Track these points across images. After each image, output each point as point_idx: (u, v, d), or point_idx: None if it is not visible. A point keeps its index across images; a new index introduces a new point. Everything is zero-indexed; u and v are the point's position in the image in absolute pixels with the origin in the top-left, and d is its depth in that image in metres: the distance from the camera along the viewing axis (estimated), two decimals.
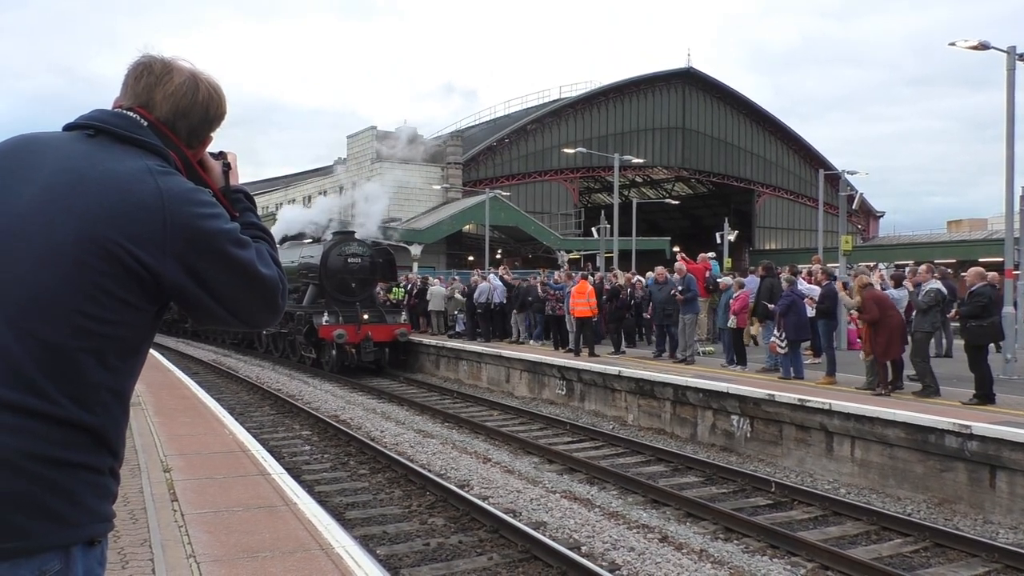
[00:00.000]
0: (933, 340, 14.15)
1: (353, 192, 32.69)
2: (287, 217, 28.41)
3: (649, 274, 19.93)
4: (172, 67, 1.74)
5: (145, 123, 1.68)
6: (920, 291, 10.82)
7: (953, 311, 11.13)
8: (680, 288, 14.95)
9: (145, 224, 1.54)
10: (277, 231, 27.45)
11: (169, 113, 1.73)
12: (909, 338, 11.20)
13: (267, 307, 1.72)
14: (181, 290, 1.60)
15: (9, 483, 1.43)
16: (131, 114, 1.69)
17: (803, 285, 14.03)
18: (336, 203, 30.79)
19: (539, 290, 19.18)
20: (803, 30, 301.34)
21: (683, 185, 66.81)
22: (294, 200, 53.61)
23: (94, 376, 1.53)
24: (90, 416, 1.52)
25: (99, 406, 1.54)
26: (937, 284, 10.64)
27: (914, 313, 10.99)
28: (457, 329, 22.34)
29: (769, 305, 13.07)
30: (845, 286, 12.67)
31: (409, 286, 24.85)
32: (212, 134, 1.84)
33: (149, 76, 1.73)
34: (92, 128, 1.66)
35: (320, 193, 54.61)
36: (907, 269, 16.36)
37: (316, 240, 24.28)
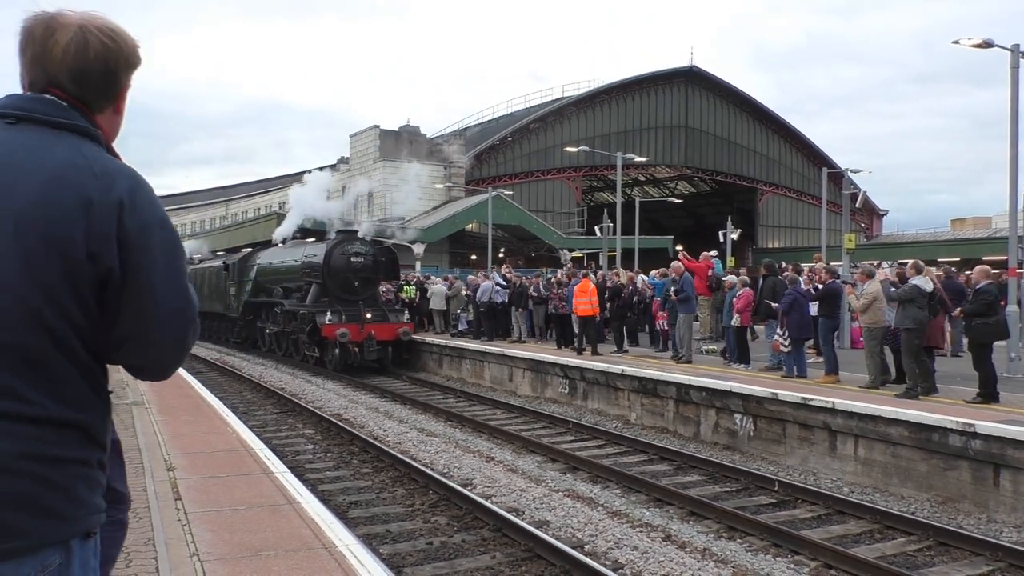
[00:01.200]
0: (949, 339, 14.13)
1: (389, 176, 32.17)
2: (307, 207, 26.70)
3: (653, 273, 19.93)
4: (55, 26, 1.59)
5: (65, 104, 1.60)
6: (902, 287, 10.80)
7: (957, 310, 11.08)
8: (675, 288, 14.98)
9: (85, 211, 1.49)
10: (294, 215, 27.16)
11: (71, 84, 1.61)
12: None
13: (181, 326, 1.62)
14: (111, 280, 1.53)
15: (5, 485, 1.45)
16: (49, 97, 1.60)
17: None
18: (369, 187, 30.23)
19: (540, 287, 19.22)
20: (808, 28, 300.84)
21: (686, 184, 66.78)
22: None
23: (68, 373, 1.52)
24: (74, 412, 1.53)
25: (79, 401, 1.55)
26: (917, 280, 10.59)
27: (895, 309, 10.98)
28: (459, 328, 22.35)
29: (772, 304, 13.06)
30: (853, 287, 12.63)
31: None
32: (128, 82, 1.70)
33: (33, 46, 1.59)
34: (12, 116, 1.58)
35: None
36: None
37: (319, 239, 24.29)
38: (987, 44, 14.97)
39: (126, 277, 1.53)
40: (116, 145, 1.71)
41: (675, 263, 15.98)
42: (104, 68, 1.62)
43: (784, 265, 16.69)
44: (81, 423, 1.54)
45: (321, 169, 56.13)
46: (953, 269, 17.15)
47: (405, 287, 24.30)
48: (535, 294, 19.31)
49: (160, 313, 1.58)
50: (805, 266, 17.63)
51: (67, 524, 1.52)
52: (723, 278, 17.13)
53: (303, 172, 62.20)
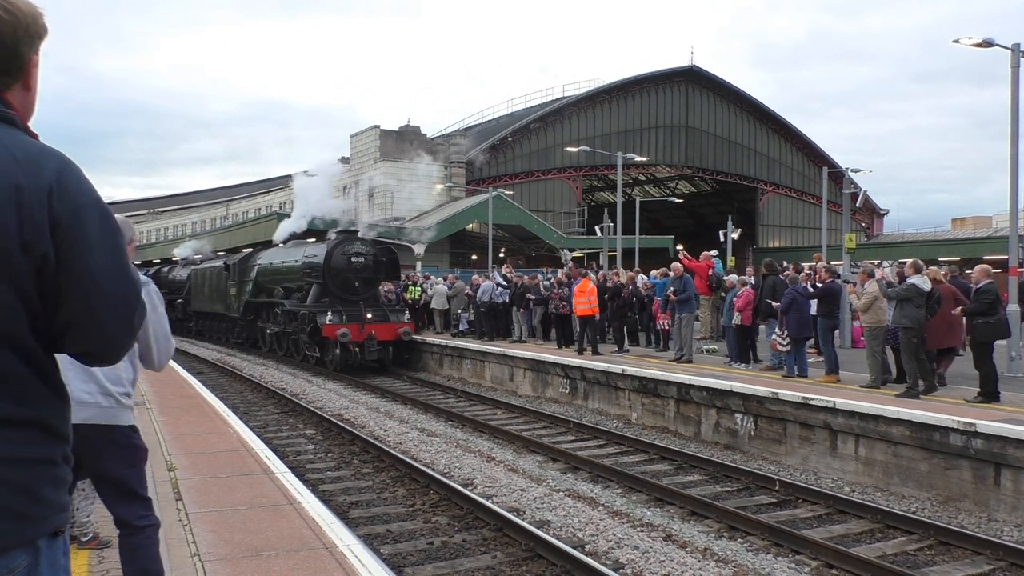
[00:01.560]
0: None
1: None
2: (315, 204, 26.36)
3: (653, 272, 19.93)
4: None
5: None
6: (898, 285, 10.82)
7: (958, 309, 11.09)
8: (674, 288, 14.98)
9: (15, 199, 1.44)
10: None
11: None
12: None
13: (125, 308, 1.56)
14: (46, 267, 1.47)
15: None
16: None
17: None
18: (371, 184, 29.62)
19: (540, 288, 19.20)
20: (809, 25, 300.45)
21: (686, 183, 66.80)
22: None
23: (19, 370, 1.49)
24: (31, 410, 1.51)
25: (35, 398, 1.52)
26: (915, 279, 10.60)
27: (891, 308, 10.98)
28: (460, 328, 22.34)
29: (773, 303, 13.06)
30: (854, 286, 12.64)
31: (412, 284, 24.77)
32: (33, 55, 1.58)
33: None
34: None
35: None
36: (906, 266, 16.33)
37: (319, 239, 24.29)
38: (987, 43, 14.96)
39: (62, 262, 1.48)
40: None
41: (675, 263, 15.98)
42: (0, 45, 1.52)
43: (785, 264, 16.69)
44: (39, 420, 1.52)
45: None
46: (955, 268, 17.16)
47: (411, 287, 23.88)
48: (532, 297, 19.19)
49: (103, 296, 1.52)
50: (805, 265, 17.64)
51: (33, 525, 1.50)
52: (723, 277, 17.15)
53: (306, 171, 62.48)
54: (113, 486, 3.51)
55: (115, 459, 3.49)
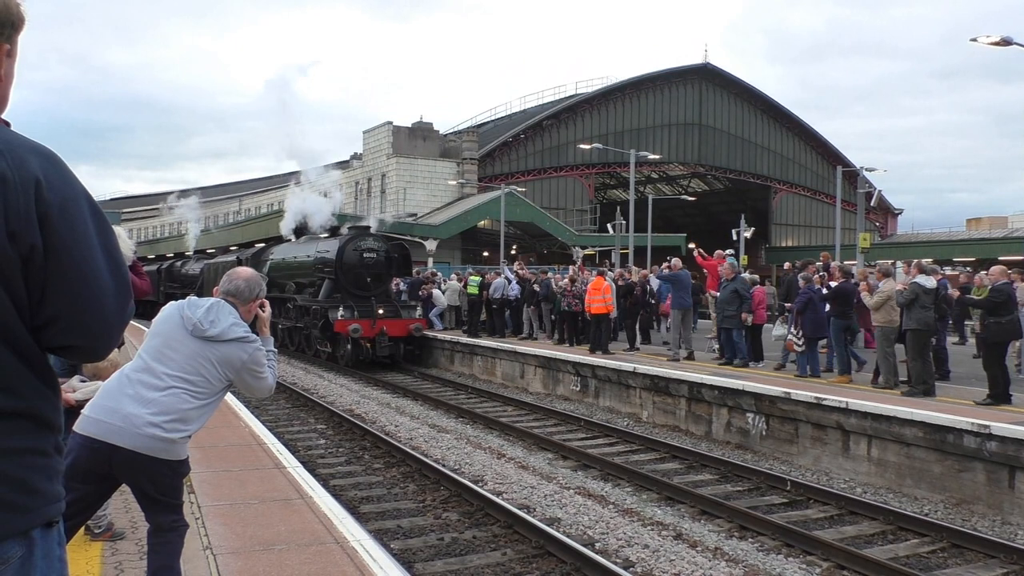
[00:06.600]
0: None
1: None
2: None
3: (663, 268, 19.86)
4: None
5: None
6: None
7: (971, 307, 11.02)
8: (660, 278, 14.93)
9: (0, 189, 1.42)
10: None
11: None
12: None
13: (114, 303, 1.54)
14: (33, 258, 1.45)
15: None
16: None
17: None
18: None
19: (552, 285, 19.16)
20: (829, 17, 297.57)
21: (699, 181, 66.57)
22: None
23: (10, 361, 1.48)
24: (23, 401, 1.50)
25: (27, 389, 1.51)
26: (920, 279, 10.53)
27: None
28: None
29: (786, 304, 13.00)
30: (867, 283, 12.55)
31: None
32: (5, 45, 1.52)
33: None
34: None
35: (337, 188, 54.77)
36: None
37: (332, 235, 24.37)
38: (1006, 42, 14.84)
39: (52, 254, 1.46)
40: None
41: (674, 260, 15.92)
42: None
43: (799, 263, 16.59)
44: (31, 411, 1.51)
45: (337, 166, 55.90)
46: (968, 269, 17.02)
47: (471, 278, 22.15)
48: (537, 288, 18.93)
49: (94, 289, 1.51)
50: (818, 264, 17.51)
51: (26, 515, 1.50)
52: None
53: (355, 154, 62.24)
54: (152, 500, 3.59)
55: (161, 485, 3.58)
